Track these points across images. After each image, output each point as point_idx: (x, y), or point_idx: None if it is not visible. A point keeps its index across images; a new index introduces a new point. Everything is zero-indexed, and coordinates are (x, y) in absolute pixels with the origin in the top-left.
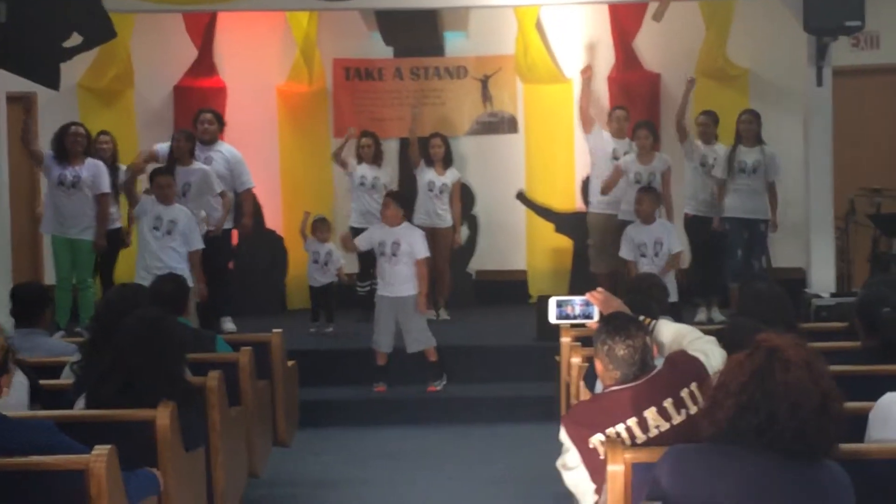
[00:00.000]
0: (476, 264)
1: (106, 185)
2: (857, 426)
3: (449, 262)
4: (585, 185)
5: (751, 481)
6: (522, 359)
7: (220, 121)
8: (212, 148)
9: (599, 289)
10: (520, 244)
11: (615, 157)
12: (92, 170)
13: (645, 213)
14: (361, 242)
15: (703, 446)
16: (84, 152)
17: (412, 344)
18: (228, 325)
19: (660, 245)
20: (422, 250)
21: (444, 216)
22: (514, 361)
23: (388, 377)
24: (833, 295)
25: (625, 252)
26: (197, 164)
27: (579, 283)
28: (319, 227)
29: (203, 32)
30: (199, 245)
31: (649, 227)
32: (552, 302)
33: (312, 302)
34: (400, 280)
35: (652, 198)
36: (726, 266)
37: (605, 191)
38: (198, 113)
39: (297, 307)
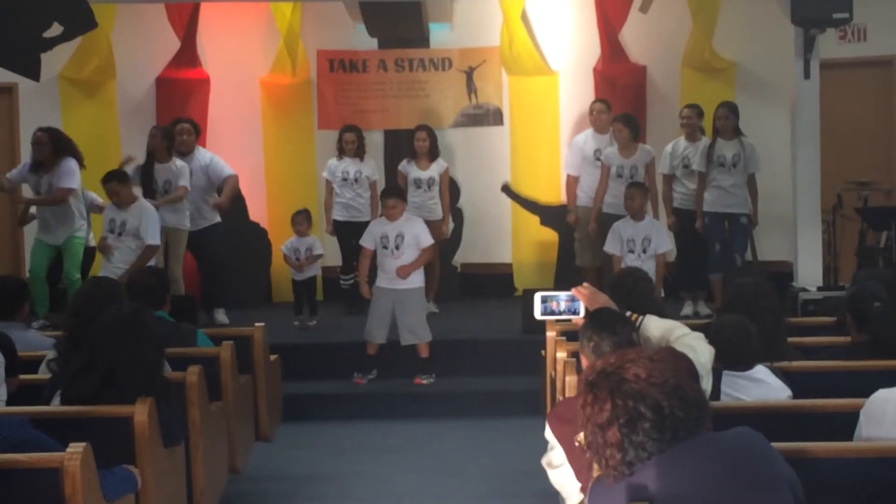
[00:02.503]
0: (461, 257)
1: (66, 182)
2: (848, 423)
3: (439, 254)
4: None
5: (695, 476)
6: (508, 352)
7: (197, 130)
8: (191, 159)
9: (585, 284)
10: (505, 237)
11: (597, 157)
12: (58, 171)
13: (635, 208)
14: (367, 243)
15: (675, 449)
16: (55, 152)
17: (408, 336)
18: (221, 317)
19: (647, 242)
20: (427, 239)
21: (435, 208)
22: (500, 355)
23: (379, 368)
24: (820, 289)
25: (610, 246)
26: (177, 160)
27: (565, 276)
28: (299, 220)
29: (185, 23)
30: (153, 241)
31: (638, 224)
32: (537, 297)
33: (295, 295)
34: None
35: (642, 193)
36: (706, 259)
37: (598, 195)
38: (175, 122)
39: (282, 300)
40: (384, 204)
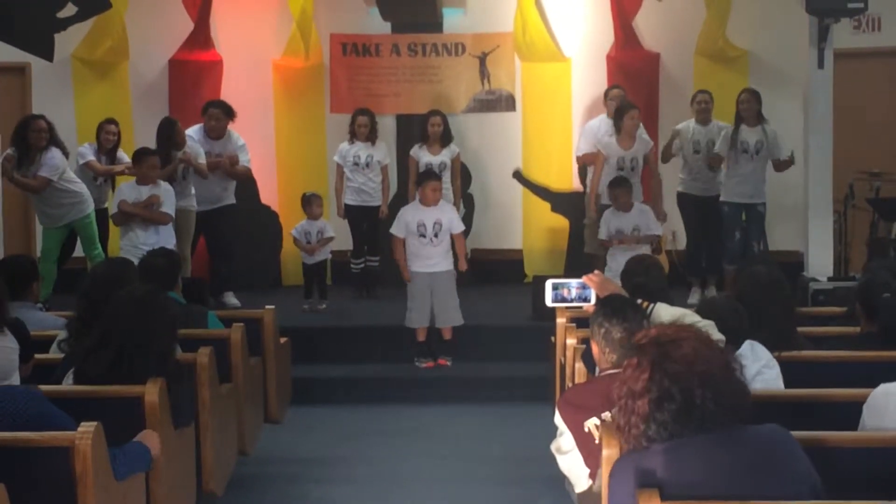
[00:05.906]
0: (472, 243)
1: (46, 171)
2: (855, 413)
3: None
4: (583, 166)
5: (710, 467)
6: (517, 338)
7: (229, 114)
8: (225, 142)
9: (596, 271)
10: (516, 223)
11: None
12: (47, 162)
13: (623, 205)
14: (399, 232)
15: (697, 438)
16: (47, 143)
17: (446, 319)
18: (232, 299)
19: (637, 231)
20: (460, 225)
21: (446, 194)
22: (509, 341)
23: (432, 352)
24: (831, 279)
25: (603, 234)
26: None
27: (575, 263)
28: (312, 202)
29: (199, 5)
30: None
31: (627, 215)
32: (548, 285)
33: (305, 279)
34: (438, 257)
35: (626, 190)
36: (725, 248)
37: (594, 185)
38: (206, 106)
39: (292, 283)
40: (430, 187)
